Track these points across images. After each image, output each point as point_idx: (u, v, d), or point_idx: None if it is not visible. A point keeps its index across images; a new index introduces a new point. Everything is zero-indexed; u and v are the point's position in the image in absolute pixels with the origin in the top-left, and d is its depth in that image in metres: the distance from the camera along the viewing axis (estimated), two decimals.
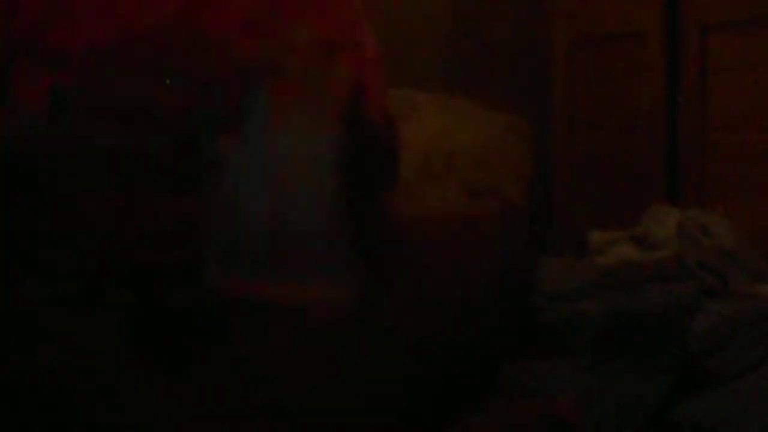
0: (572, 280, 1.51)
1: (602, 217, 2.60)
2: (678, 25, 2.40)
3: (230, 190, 0.69)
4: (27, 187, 0.73)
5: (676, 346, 1.19)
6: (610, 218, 2.52)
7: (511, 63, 2.95)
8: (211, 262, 0.67)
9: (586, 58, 2.79)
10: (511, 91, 2.93)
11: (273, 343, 0.70)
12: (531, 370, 1.02)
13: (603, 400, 1.00)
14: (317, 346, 0.74)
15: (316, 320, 0.68)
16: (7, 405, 0.74)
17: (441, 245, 0.83)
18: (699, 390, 1.08)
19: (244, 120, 0.71)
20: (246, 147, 0.70)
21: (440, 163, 2.50)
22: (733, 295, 1.62)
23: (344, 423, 0.75)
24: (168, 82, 0.89)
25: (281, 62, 0.93)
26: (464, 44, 2.92)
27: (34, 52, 0.88)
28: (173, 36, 0.91)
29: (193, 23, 0.94)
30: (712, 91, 2.31)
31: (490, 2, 2.93)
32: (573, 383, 1.01)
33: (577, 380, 1.02)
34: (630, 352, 1.12)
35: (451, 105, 2.72)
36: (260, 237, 0.68)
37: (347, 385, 0.77)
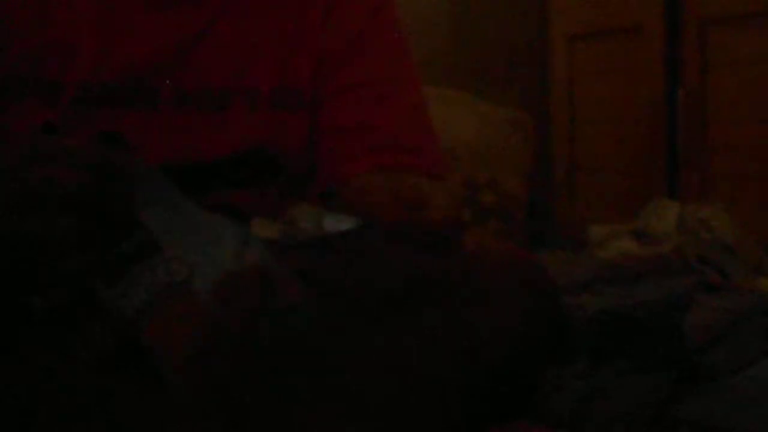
0: (572, 273, 1.52)
1: (602, 211, 2.61)
2: (678, 20, 2.40)
3: None
4: None
5: (675, 340, 1.19)
6: (611, 212, 2.53)
7: (510, 58, 2.95)
8: None
9: (586, 52, 2.79)
10: (511, 87, 2.93)
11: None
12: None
13: (607, 402, 1.01)
14: None
15: None
16: None
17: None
18: (698, 386, 1.08)
19: None
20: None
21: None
22: (733, 289, 1.62)
23: None
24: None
25: None
26: (464, 40, 2.92)
27: (30, 85, 0.88)
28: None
29: None
30: (711, 86, 2.31)
31: None
32: (575, 388, 1.01)
33: (578, 385, 1.02)
34: (629, 350, 1.12)
35: (453, 100, 2.73)
36: None
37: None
